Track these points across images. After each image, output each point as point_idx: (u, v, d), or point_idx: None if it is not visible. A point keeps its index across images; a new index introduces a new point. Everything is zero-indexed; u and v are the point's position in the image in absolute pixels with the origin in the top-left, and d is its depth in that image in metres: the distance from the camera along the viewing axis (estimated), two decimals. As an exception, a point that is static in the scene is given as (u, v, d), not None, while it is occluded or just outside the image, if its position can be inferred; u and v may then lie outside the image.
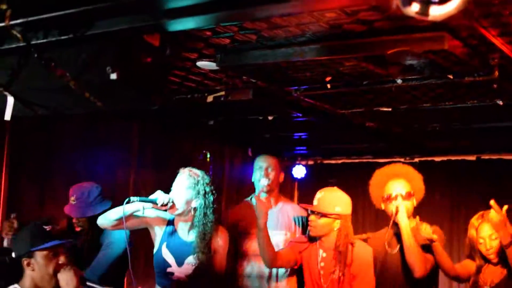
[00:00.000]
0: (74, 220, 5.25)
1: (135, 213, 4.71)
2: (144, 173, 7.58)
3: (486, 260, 5.28)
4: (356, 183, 9.49)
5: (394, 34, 4.04)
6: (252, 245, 5.58)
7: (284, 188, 10.51)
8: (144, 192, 7.52)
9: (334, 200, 5.14)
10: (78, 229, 5.23)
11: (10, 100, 3.38)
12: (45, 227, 3.85)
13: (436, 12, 2.40)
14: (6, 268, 4.10)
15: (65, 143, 6.65)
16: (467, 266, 5.42)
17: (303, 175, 10.17)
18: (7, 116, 3.41)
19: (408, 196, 5.17)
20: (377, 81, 5.21)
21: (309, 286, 5.20)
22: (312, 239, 5.23)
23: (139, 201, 4.62)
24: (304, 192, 10.46)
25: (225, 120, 7.39)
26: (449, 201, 9.21)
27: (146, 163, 7.64)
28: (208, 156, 8.45)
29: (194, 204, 4.76)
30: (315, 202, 5.15)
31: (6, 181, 6.06)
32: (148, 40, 2.82)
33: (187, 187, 4.76)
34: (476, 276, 5.33)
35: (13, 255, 3.82)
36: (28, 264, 3.75)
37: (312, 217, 5.14)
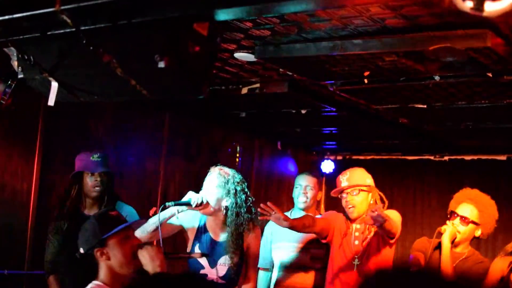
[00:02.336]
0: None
1: (169, 220, 4.71)
2: (174, 163, 7.61)
3: None
4: (385, 179, 9.49)
5: (436, 30, 4.02)
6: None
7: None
8: (173, 182, 7.59)
9: (362, 174, 5.42)
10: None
11: (54, 86, 3.39)
12: (111, 213, 3.79)
13: (491, 8, 2.39)
14: (78, 265, 3.97)
15: (97, 130, 6.69)
16: None
17: (331, 170, 10.15)
18: (51, 101, 3.42)
19: (467, 222, 5.20)
20: (415, 78, 5.19)
21: (339, 260, 5.26)
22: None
23: (174, 205, 4.60)
24: (332, 186, 10.42)
25: (257, 113, 7.39)
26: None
27: (176, 153, 7.67)
28: (238, 148, 8.47)
29: (225, 203, 4.73)
30: (344, 183, 5.22)
31: (38, 167, 6.11)
32: (197, 29, 2.82)
33: (217, 185, 4.73)
34: None
35: (82, 250, 3.68)
36: (102, 254, 3.61)
37: (349, 198, 5.22)
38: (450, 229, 5.20)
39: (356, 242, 5.28)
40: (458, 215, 5.22)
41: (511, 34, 4.03)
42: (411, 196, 9.28)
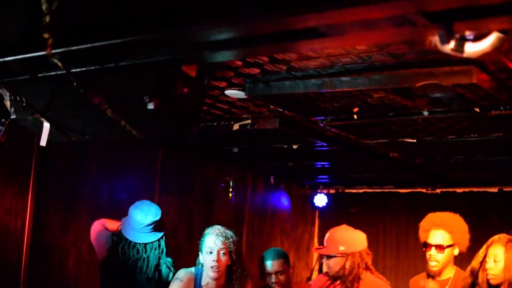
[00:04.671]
0: None
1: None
2: (168, 199, 7.63)
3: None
4: (378, 212, 9.52)
5: (423, 67, 4.09)
6: None
7: (306, 216, 10.58)
8: (167, 218, 7.60)
9: (338, 240, 5.18)
10: None
11: (46, 126, 3.44)
12: None
13: (471, 49, 2.44)
14: None
15: (90, 169, 6.72)
16: None
17: (324, 204, 10.20)
18: (43, 141, 3.46)
19: (443, 249, 5.21)
20: (404, 113, 5.26)
21: None
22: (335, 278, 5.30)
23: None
24: (325, 221, 10.48)
25: (249, 148, 7.44)
26: (470, 233, 9.17)
27: (169, 189, 7.69)
28: (231, 183, 8.52)
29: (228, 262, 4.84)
30: (324, 243, 5.28)
31: (31, 206, 6.12)
32: (185, 70, 2.88)
33: (223, 247, 4.80)
34: None
35: None
36: None
37: (324, 259, 5.28)
38: (433, 261, 5.22)
39: None
40: (432, 245, 5.22)
41: (496, 70, 4.10)
42: (403, 228, 9.31)
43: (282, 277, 5.17)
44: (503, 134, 5.85)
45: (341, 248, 5.14)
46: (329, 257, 5.18)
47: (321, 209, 10.42)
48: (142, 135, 3.20)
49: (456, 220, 5.35)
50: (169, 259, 5.07)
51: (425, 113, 5.15)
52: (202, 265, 4.82)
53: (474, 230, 9.13)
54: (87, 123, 3.46)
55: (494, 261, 4.77)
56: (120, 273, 4.99)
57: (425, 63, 4.04)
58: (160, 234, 5.05)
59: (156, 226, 5.03)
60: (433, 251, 5.21)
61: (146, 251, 4.97)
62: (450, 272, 5.27)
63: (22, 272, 5.97)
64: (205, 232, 4.87)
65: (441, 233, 5.21)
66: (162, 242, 5.05)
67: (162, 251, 5.04)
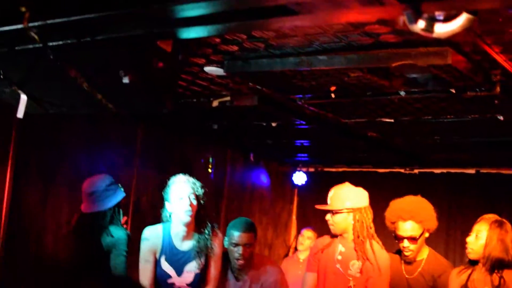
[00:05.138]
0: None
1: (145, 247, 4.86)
2: (147, 175, 7.66)
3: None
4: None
5: (399, 48, 4.12)
6: None
7: (285, 194, 10.65)
8: (145, 194, 7.64)
9: (343, 196, 5.23)
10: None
11: (23, 98, 3.46)
12: None
13: (441, 29, 2.49)
14: None
15: (70, 143, 6.72)
16: None
17: (303, 182, 10.26)
18: (20, 113, 3.49)
19: (415, 239, 5.21)
20: (381, 93, 5.30)
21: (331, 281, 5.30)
22: (334, 236, 5.34)
23: None
24: (304, 199, 10.56)
25: (229, 125, 7.48)
26: (446, 213, 9.27)
27: (149, 165, 7.71)
28: (210, 160, 8.55)
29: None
30: (328, 201, 5.27)
31: (10, 179, 6.13)
32: (161, 45, 2.90)
33: (191, 193, 4.82)
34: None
35: None
36: None
37: (328, 217, 5.25)
38: (407, 251, 5.24)
39: (338, 266, 5.27)
40: (404, 237, 5.26)
41: (472, 52, 4.15)
42: (381, 208, 9.36)
43: (249, 250, 5.23)
44: (479, 115, 5.91)
45: (348, 203, 5.18)
46: (334, 214, 5.21)
47: (300, 187, 10.49)
48: (118, 109, 3.23)
49: (421, 206, 5.29)
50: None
51: (402, 93, 5.20)
52: (170, 215, 4.86)
53: (450, 211, 9.32)
54: (64, 96, 3.49)
55: (476, 236, 4.84)
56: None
57: (402, 44, 4.08)
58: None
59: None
60: (406, 243, 5.21)
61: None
62: (423, 254, 5.31)
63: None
64: (169, 182, 4.88)
65: (411, 224, 5.18)
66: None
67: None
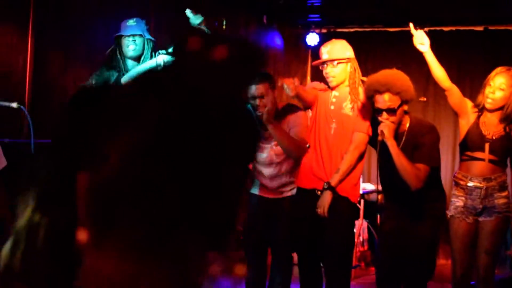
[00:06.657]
0: None
1: None
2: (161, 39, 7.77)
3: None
4: (367, 51, 9.80)
5: None
6: None
7: (299, 56, 10.82)
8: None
9: (342, 47, 5.66)
10: None
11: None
12: None
13: None
14: None
15: (88, 11, 6.86)
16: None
17: (316, 43, 10.40)
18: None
19: (394, 111, 5.21)
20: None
21: (315, 123, 5.72)
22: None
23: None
24: (317, 59, 10.70)
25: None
26: (455, 70, 9.44)
27: (164, 29, 7.83)
28: (224, 23, 8.68)
29: None
30: (324, 55, 5.57)
31: (32, 45, 6.28)
32: None
33: None
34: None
35: None
36: None
37: (328, 69, 5.57)
38: (387, 128, 5.21)
39: (332, 107, 5.61)
40: (382, 109, 5.21)
41: None
42: (391, 66, 9.54)
43: (265, 100, 5.51)
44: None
45: (347, 53, 5.58)
46: (336, 65, 5.58)
47: (313, 48, 10.64)
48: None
49: (397, 78, 5.32)
50: None
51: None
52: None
53: (459, 69, 9.51)
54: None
55: (499, 88, 5.32)
56: None
57: None
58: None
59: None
60: (385, 115, 5.22)
61: None
62: (405, 125, 5.37)
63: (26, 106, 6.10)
64: None
65: (388, 96, 5.18)
66: None
67: None
